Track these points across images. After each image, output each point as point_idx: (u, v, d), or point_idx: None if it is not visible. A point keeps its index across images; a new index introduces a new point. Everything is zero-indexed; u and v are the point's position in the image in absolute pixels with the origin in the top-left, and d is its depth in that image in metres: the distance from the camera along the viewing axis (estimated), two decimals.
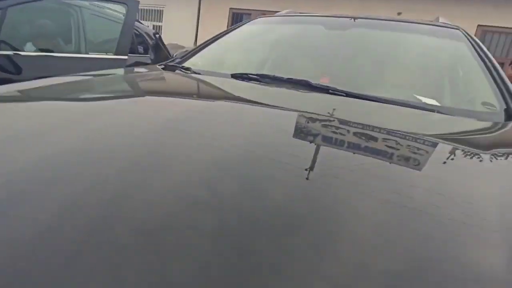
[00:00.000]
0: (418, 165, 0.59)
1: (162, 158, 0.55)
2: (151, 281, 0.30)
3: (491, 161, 0.64)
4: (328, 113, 0.85)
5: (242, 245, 0.36)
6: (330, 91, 1.02)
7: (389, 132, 0.75)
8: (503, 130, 0.81)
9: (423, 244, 0.39)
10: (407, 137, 0.73)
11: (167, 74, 1.27)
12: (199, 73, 1.24)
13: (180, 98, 1.01)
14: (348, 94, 0.99)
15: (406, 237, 0.40)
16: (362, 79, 1.19)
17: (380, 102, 0.95)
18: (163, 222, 0.39)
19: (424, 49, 1.32)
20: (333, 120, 0.80)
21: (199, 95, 1.08)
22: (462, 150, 0.69)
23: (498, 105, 0.95)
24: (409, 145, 0.68)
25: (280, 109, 0.90)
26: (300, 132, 0.70)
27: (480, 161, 0.65)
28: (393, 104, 0.94)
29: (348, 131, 0.74)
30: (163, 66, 1.41)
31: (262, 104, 0.93)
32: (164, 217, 0.40)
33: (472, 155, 0.68)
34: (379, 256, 0.36)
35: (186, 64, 1.39)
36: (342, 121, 0.80)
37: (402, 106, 0.93)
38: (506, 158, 0.68)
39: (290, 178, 0.52)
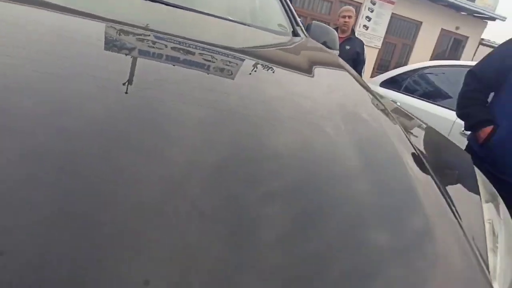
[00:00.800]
0: (231, 74, 0.64)
1: None
2: None
3: (289, 66, 0.81)
4: (152, 23, 0.78)
5: (59, 165, 0.32)
6: (157, 1, 0.97)
7: (214, 45, 0.75)
8: (294, 42, 1.13)
9: (243, 136, 0.46)
10: (226, 49, 0.77)
11: None
12: None
13: None
14: (170, 4, 0.97)
15: (228, 134, 0.46)
16: None
17: (205, 15, 1.01)
18: None
19: None
20: (158, 32, 0.73)
21: None
22: (269, 58, 0.85)
23: (288, 27, 1.29)
24: (227, 56, 0.72)
25: (90, 17, 0.72)
26: (120, 44, 0.61)
27: (281, 66, 0.81)
28: (215, 18, 1.03)
29: (172, 43, 0.69)
30: None
31: (61, 9, 0.71)
32: None
33: (275, 61, 0.84)
34: (207, 153, 0.40)
35: None
36: (165, 33, 0.74)
37: (222, 19, 1.04)
38: (299, 63, 0.90)
39: (108, 94, 0.46)
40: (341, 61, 0.98)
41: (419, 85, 3.03)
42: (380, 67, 8.17)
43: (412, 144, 0.61)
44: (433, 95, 2.77)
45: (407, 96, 2.90)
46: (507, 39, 1.50)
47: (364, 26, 7.85)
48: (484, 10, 8.43)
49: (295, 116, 0.55)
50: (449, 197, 0.49)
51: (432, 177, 0.52)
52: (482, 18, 8.90)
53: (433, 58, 8.59)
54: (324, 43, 1.37)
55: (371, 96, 0.77)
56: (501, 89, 1.43)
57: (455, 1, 7.96)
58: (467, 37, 9.15)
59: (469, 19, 8.83)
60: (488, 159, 1.43)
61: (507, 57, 1.40)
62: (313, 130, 0.53)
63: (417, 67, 3.14)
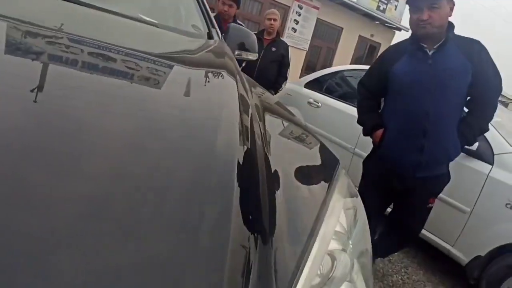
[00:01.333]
0: (144, 79, 0.63)
1: None
2: None
3: (202, 67, 0.82)
4: (57, 22, 0.73)
5: None
6: None
7: (120, 48, 0.72)
8: (209, 44, 1.12)
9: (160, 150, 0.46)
10: (137, 52, 0.74)
11: None
12: None
13: None
14: (80, 3, 0.91)
15: (146, 143, 0.45)
16: None
17: (112, 14, 0.95)
18: None
19: None
20: (64, 32, 0.68)
21: None
22: (181, 60, 0.85)
23: (203, 28, 1.26)
24: (139, 60, 0.70)
25: None
26: (21, 46, 0.56)
27: (193, 66, 0.81)
28: (125, 18, 0.98)
29: (79, 44, 0.65)
30: None
31: None
32: None
33: (187, 62, 0.85)
34: (133, 169, 0.40)
35: None
36: (73, 33, 0.69)
37: (132, 20, 1.00)
38: (211, 62, 0.94)
39: (7, 101, 0.42)
40: (233, 67, 0.96)
41: (339, 87, 3.32)
42: (307, 69, 8.70)
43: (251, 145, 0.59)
44: (349, 96, 3.06)
45: (326, 97, 3.14)
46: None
47: (293, 29, 8.26)
48: (391, 21, 9.63)
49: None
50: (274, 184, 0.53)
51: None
52: (391, 28, 10.17)
53: (352, 62, 9.49)
54: (242, 46, 1.38)
55: (242, 100, 0.76)
56: (387, 96, 1.65)
57: (370, 11, 8.92)
58: (380, 44, 10.35)
59: (381, 28, 9.99)
60: (386, 158, 1.64)
61: (382, 66, 1.61)
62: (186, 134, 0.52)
63: (335, 70, 3.43)
